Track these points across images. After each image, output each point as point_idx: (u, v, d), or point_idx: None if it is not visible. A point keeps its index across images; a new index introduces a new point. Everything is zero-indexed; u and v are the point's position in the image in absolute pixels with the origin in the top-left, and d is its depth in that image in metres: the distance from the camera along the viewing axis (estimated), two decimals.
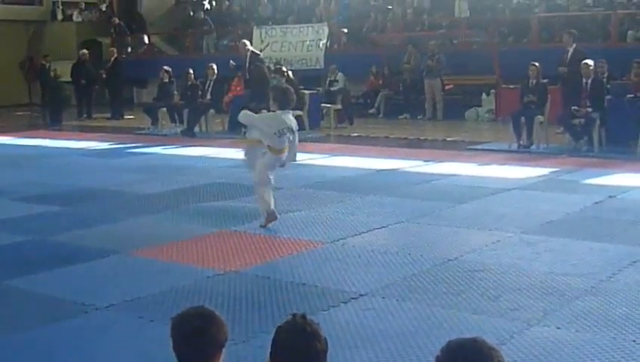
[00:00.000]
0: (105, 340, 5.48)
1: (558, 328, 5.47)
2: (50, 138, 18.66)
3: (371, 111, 22.15)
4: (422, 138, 16.98)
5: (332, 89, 20.69)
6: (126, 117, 23.14)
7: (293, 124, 8.59)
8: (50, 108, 22.87)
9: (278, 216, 8.71)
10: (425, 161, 13.59)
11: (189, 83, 19.11)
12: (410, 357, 4.99)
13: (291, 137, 8.57)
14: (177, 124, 19.12)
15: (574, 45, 16.35)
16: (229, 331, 3.10)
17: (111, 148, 16.62)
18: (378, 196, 10.35)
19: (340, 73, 21.04)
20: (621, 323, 5.53)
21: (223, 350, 3.05)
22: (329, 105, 19.69)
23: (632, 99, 14.48)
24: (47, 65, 25.43)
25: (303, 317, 2.85)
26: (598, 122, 14.00)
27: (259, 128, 8.66)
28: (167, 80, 19.88)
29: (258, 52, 19.16)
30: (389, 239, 8.17)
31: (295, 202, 10.08)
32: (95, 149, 16.52)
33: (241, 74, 18.67)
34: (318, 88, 20.47)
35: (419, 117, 20.87)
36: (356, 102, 22.10)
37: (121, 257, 7.65)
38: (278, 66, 19.35)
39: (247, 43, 18.84)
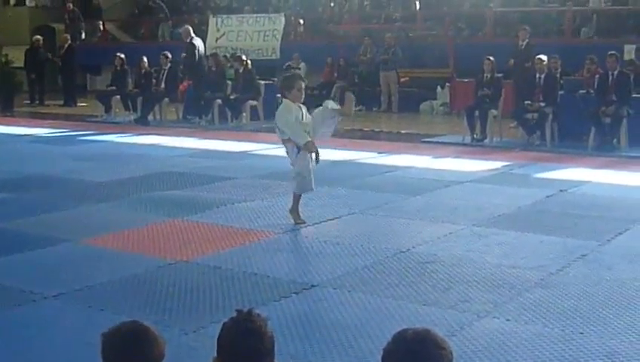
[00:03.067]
0: (53, 329, 5.40)
1: (508, 320, 5.51)
2: (0, 124, 18.35)
3: None
4: (377, 130, 17.02)
5: None
6: (79, 104, 22.88)
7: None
8: (1, 94, 22.48)
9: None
10: (379, 152, 13.64)
11: (143, 71, 18.95)
12: (360, 348, 4.99)
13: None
14: (131, 112, 18.96)
15: (527, 40, 16.57)
16: (165, 346, 2.86)
17: (62, 136, 16.41)
18: (331, 187, 10.33)
19: (302, 63, 20.97)
20: (570, 315, 5.59)
21: None
22: None
23: (584, 94, 14.66)
24: None
25: (248, 313, 2.80)
26: (550, 117, 14.14)
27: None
28: (121, 67, 19.70)
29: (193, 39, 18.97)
30: (342, 230, 8.16)
31: (248, 192, 10.04)
32: (46, 136, 16.32)
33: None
34: (274, 78, 20.40)
35: (374, 109, 20.90)
36: (312, 94, 22.03)
37: (71, 245, 7.55)
38: (237, 55, 19.27)
39: (190, 29, 18.84)
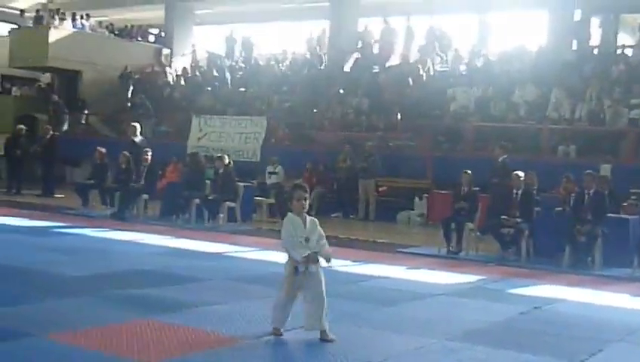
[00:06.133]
0: None
1: None
2: None
3: None
4: (352, 238, 16.98)
5: (269, 182, 20.71)
6: (57, 195, 22.80)
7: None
8: None
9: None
10: (353, 261, 13.55)
11: (123, 166, 18.99)
12: None
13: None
14: (108, 206, 18.90)
15: (504, 156, 16.90)
16: None
17: (36, 226, 16.27)
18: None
19: (279, 166, 21.12)
20: None
21: None
22: (262, 199, 19.68)
23: (559, 212, 14.76)
24: None
25: None
26: (526, 233, 14.20)
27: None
28: (101, 161, 19.76)
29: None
30: (312, 339, 8.03)
31: (221, 295, 9.92)
32: (19, 226, 16.16)
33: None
34: (253, 181, 20.48)
35: (351, 216, 20.94)
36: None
37: (36, 340, 7.37)
38: (219, 155, 19.39)
39: (137, 127, 19.58)
